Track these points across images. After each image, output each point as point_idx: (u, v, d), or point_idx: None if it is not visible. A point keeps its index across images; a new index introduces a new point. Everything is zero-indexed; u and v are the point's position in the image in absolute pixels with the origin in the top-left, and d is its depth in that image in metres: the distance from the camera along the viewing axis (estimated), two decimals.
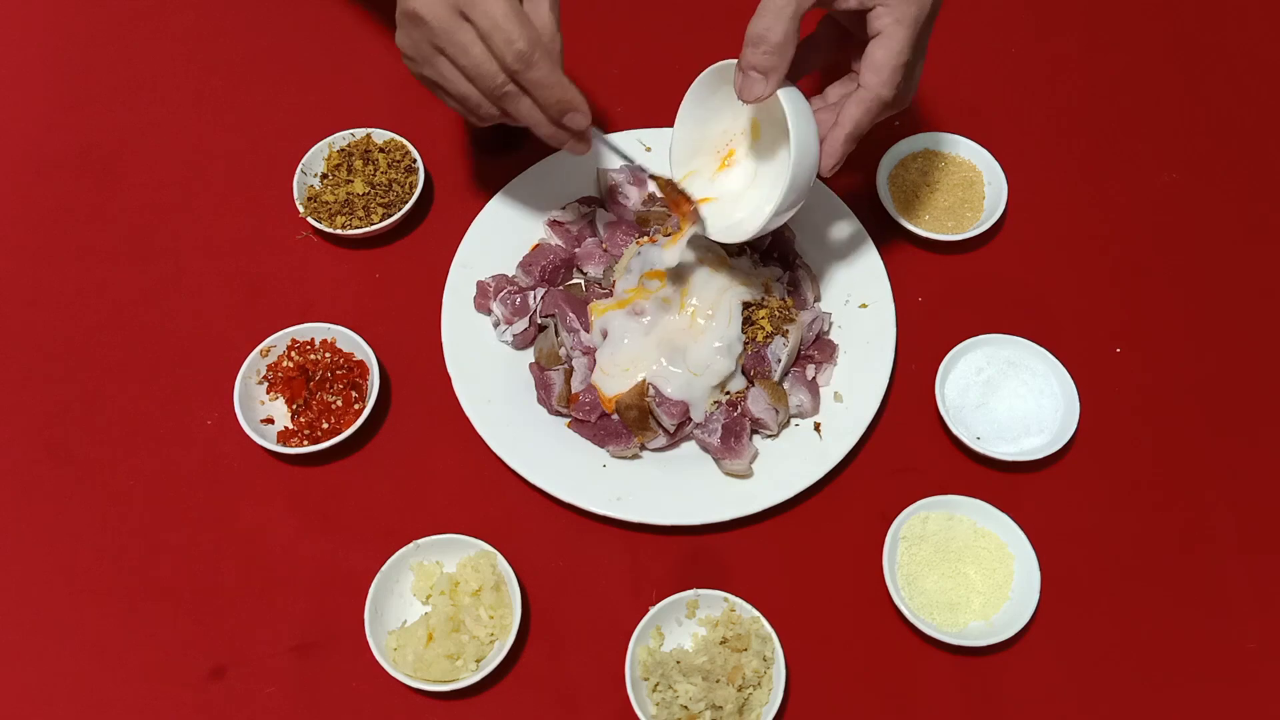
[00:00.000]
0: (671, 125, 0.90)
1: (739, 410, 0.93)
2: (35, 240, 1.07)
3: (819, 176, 0.84)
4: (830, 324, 1.00)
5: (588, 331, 0.95)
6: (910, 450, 0.96)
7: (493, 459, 0.93)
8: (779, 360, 0.94)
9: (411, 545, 0.88)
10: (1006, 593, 0.88)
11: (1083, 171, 1.11)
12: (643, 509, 0.90)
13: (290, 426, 0.95)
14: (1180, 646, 0.88)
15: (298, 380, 0.95)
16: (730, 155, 0.90)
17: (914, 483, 0.94)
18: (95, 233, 1.07)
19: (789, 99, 0.80)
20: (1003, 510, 0.90)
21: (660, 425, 0.93)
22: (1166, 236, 1.07)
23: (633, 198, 1.04)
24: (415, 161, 1.06)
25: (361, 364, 0.97)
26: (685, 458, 0.95)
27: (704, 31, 1.17)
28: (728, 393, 0.94)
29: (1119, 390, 0.99)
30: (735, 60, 0.82)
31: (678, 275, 0.94)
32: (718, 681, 0.82)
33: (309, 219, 1.03)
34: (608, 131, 1.08)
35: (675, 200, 0.90)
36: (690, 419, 0.93)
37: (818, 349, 0.97)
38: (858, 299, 1.00)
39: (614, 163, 1.06)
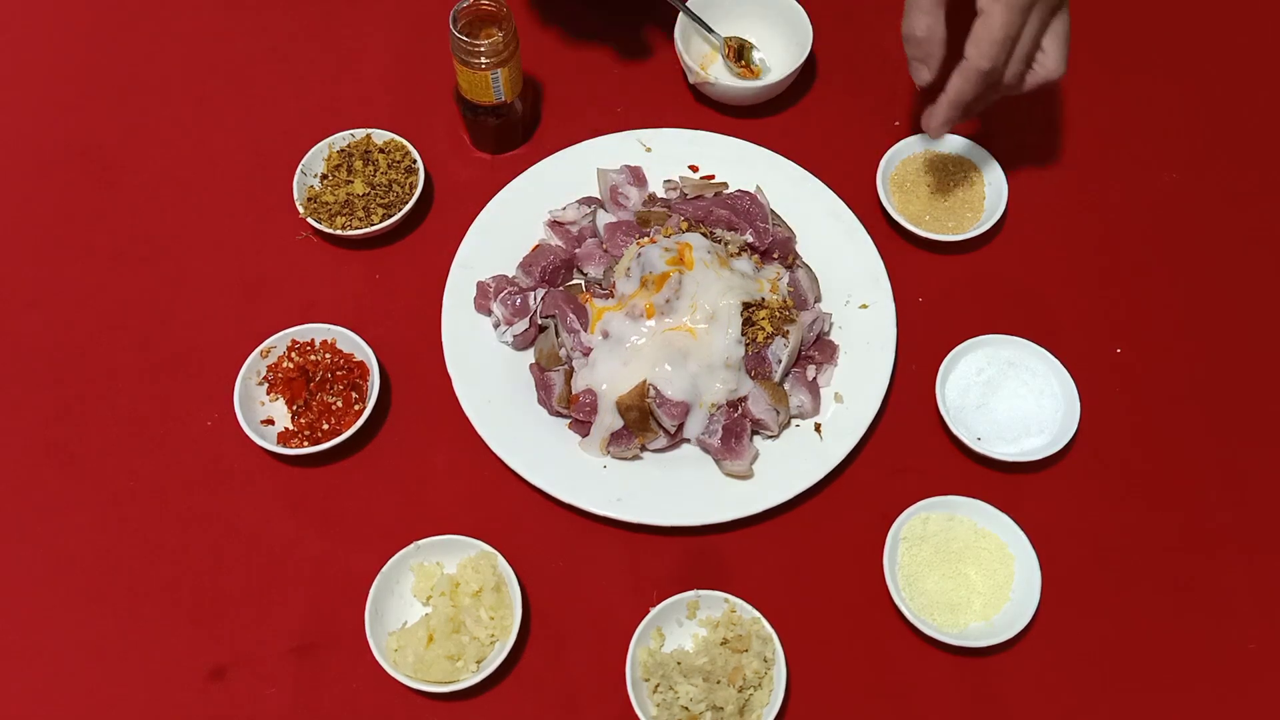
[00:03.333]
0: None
1: (739, 411, 0.93)
2: (35, 240, 1.07)
3: (931, 136, 0.98)
4: (830, 324, 0.99)
5: (588, 332, 0.95)
6: (910, 450, 0.96)
7: (493, 459, 0.93)
8: (779, 361, 0.94)
9: (412, 546, 0.88)
10: (1007, 593, 0.88)
11: (1083, 171, 1.11)
12: (643, 509, 0.90)
13: (290, 427, 0.95)
14: (1180, 646, 0.88)
15: (298, 381, 0.95)
16: (705, 66, 1.13)
17: (914, 483, 0.94)
18: (95, 233, 1.07)
19: None
20: (1003, 511, 0.90)
21: (661, 426, 0.93)
22: (1166, 236, 1.07)
23: (633, 198, 1.04)
24: (415, 162, 1.06)
25: (361, 365, 0.97)
26: (685, 458, 0.95)
27: None
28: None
29: (1119, 390, 0.99)
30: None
31: (678, 277, 0.94)
32: (718, 682, 0.82)
33: (309, 219, 1.03)
34: (606, 132, 1.08)
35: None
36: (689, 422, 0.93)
37: (818, 349, 0.97)
38: (858, 299, 1.00)
39: (613, 163, 1.06)
